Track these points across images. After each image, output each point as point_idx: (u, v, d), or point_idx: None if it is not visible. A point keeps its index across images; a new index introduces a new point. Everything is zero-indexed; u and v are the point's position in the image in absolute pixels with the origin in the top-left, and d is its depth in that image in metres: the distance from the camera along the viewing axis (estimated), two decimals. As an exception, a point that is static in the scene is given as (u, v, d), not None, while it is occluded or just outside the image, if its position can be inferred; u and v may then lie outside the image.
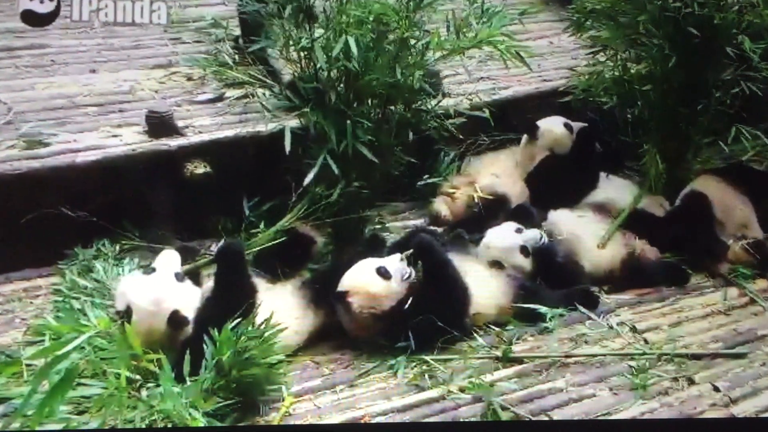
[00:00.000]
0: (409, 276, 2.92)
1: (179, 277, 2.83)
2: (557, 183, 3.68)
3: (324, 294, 2.99)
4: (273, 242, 3.16)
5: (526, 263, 3.26)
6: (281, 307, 2.84)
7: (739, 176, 3.71)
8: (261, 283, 2.98)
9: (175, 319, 2.71)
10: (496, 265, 3.23)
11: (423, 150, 3.65)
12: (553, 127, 3.82)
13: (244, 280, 2.86)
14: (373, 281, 2.90)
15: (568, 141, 3.80)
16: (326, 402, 2.73)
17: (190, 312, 2.76)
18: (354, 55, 3.04)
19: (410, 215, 3.81)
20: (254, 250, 3.12)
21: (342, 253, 3.31)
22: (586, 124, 3.79)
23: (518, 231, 3.31)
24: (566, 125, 3.82)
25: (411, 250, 2.96)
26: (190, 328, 2.74)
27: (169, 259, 2.89)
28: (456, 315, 2.96)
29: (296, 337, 2.92)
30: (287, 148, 3.10)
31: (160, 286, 2.78)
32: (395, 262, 2.93)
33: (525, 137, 3.84)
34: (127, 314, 2.71)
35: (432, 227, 3.62)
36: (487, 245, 3.28)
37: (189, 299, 2.79)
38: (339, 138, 3.13)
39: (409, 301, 2.89)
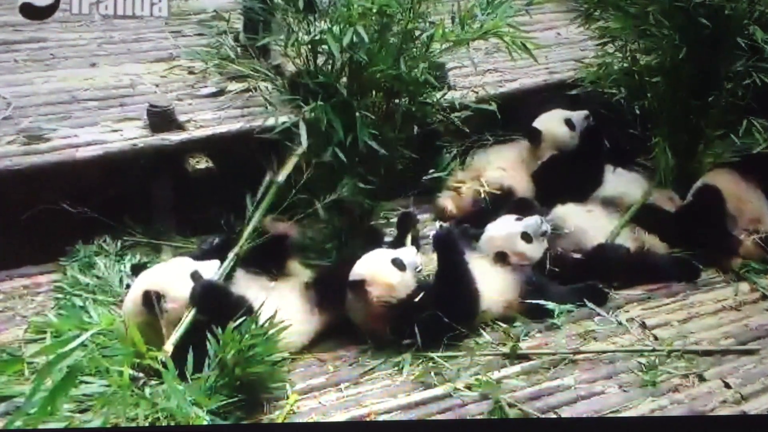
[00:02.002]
0: (420, 269, 2.91)
1: (195, 276, 2.75)
2: (563, 180, 3.63)
3: (329, 295, 2.96)
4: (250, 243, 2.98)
5: (528, 249, 3.23)
6: (286, 309, 2.79)
7: (753, 169, 3.65)
8: (263, 282, 2.94)
9: (147, 297, 2.65)
10: (501, 259, 3.20)
11: (428, 144, 3.61)
12: (553, 128, 3.76)
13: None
14: (390, 271, 2.90)
15: (571, 139, 3.75)
16: (331, 400, 2.71)
17: (173, 297, 2.66)
18: (363, 44, 2.98)
19: (415, 210, 3.76)
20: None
21: (345, 250, 3.27)
22: (587, 111, 3.73)
23: (518, 220, 3.29)
24: (567, 122, 3.76)
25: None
26: (161, 313, 2.65)
27: (206, 262, 2.82)
28: (467, 314, 2.94)
29: (301, 338, 2.89)
30: (303, 142, 3.02)
31: (162, 269, 2.77)
32: (410, 255, 2.91)
33: (527, 141, 3.78)
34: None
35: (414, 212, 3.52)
36: (489, 236, 3.27)
37: (183, 292, 2.70)
38: (345, 132, 3.08)
39: (420, 295, 2.87)
